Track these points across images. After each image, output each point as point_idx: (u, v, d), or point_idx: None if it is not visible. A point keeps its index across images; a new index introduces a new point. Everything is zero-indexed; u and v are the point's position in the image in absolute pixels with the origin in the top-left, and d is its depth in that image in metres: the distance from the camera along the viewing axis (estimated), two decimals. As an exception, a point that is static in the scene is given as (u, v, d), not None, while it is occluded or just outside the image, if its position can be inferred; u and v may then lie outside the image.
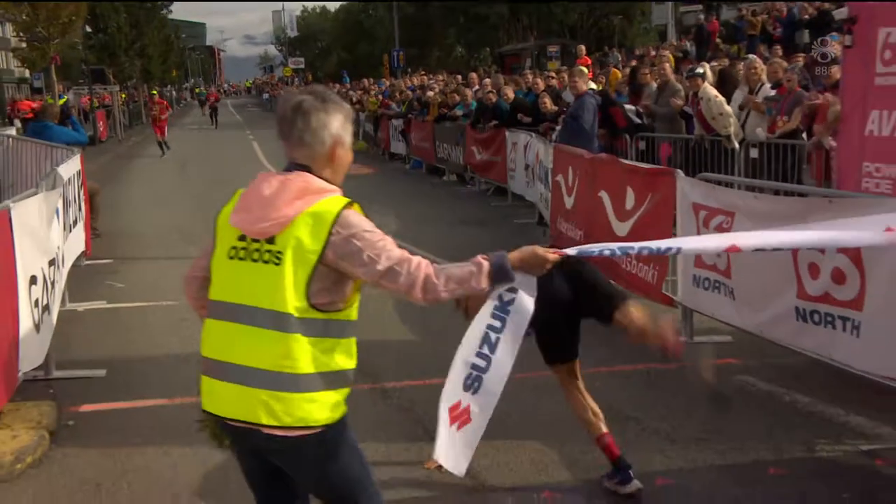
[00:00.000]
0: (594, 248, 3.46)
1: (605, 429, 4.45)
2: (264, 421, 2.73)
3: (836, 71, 9.27)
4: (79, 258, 9.81)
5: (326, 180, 2.88)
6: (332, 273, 2.76)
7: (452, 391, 3.17)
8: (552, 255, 3.05)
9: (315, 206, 2.76)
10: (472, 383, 3.18)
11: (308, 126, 2.85)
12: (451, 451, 3.19)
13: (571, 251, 3.30)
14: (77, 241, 9.61)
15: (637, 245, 3.58)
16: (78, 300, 8.74)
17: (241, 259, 2.82)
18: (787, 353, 6.02)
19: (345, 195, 2.85)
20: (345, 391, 2.89)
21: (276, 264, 2.74)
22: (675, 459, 4.95)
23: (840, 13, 7.15)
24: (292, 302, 2.72)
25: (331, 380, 2.80)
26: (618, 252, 3.60)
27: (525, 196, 13.57)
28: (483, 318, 3.18)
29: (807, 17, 19.59)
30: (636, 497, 4.48)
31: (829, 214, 5.45)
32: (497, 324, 3.17)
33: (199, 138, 37.31)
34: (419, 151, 21.68)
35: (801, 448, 5.05)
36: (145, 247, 11.76)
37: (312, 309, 2.74)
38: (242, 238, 2.82)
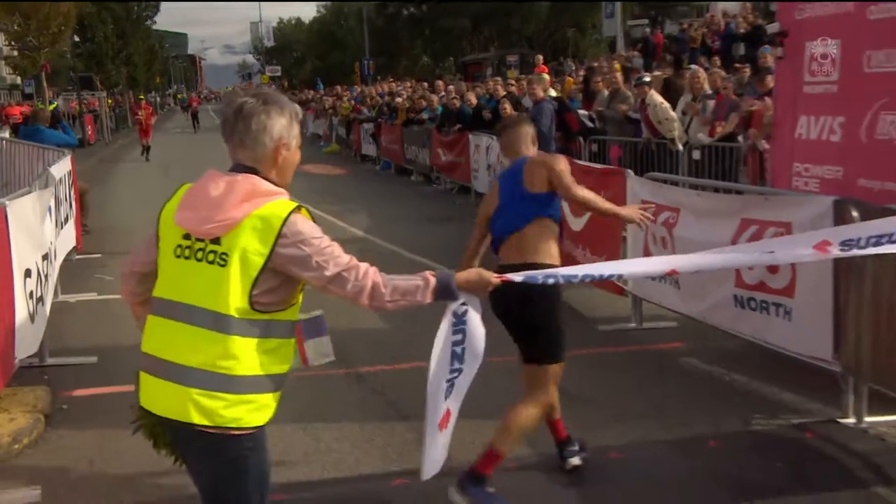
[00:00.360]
0: (538, 274, 3.42)
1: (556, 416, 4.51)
2: (196, 420, 2.56)
3: (770, 80, 9.37)
4: (70, 253, 9.69)
5: (273, 182, 2.70)
6: (278, 275, 2.60)
7: (437, 409, 3.08)
8: (495, 279, 2.99)
9: (262, 210, 2.58)
10: (449, 391, 3.13)
11: (248, 129, 2.66)
12: (437, 453, 3.15)
13: (518, 277, 3.27)
14: (68, 237, 9.50)
15: (581, 273, 3.52)
16: (70, 292, 8.66)
17: (185, 258, 2.64)
18: (726, 337, 6.11)
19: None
20: (277, 395, 2.71)
21: (222, 266, 2.56)
22: (625, 435, 5.00)
23: (772, 28, 7.25)
24: (234, 303, 2.55)
25: (266, 382, 2.64)
26: (561, 280, 3.49)
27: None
28: (446, 338, 3.08)
29: (742, 31, 19.78)
30: (585, 468, 4.53)
31: (764, 210, 5.54)
32: (459, 337, 3.09)
33: (181, 141, 36.92)
34: (389, 153, 21.63)
35: (738, 423, 5.13)
36: (132, 242, 11.53)
37: (254, 310, 2.58)
38: (187, 237, 2.64)
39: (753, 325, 5.67)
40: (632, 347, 6.69)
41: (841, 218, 4.89)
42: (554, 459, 4.63)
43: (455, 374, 3.07)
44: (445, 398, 3.09)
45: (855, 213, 4.79)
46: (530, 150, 4.52)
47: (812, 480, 4.39)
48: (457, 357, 3.06)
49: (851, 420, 5.03)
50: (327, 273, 2.61)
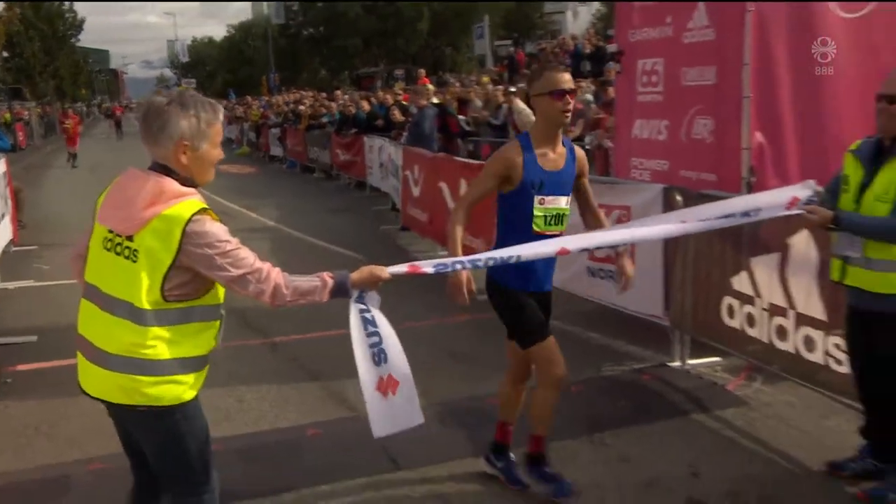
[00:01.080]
0: (447, 261, 3.27)
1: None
2: (120, 401, 2.45)
3: (612, 90, 9.70)
4: (7, 245, 9.19)
5: (188, 180, 2.49)
6: (188, 271, 2.42)
7: (369, 373, 2.96)
8: (385, 273, 2.86)
9: (168, 211, 2.37)
10: (379, 356, 2.98)
11: (150, 128, 2.45)
12: (387, 415, 2.99)
13: (429, 269, 3.14)
14: (5, 231, 9.01)
15: (483, 257, 3.37)
16: (9, 280, 8.19)
17: (108, 250, 2.46)
18: (583, 302, 6.28)
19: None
20: (201, 373, 2.55)
21: (133, 262, 2.39)
22: (501, 384, 5.12)
23: (612, 48, 7.54)
24: (147, 297, 2.38)
25: (186, 364, 2.47)
26: (468, 265, 3.34)
27: (381, 188, 13.57)
28: (353, 311, 2.95)
29: (588, 51, 20.28)
30: (468, 414, 4.61)
31: (610, 197, 5.73)
32: (364, 306, 2.97)
33: (106, 146, 35.17)
34: (294, 154, 21.27)
35: (593, 371, 5.31)
36: (65, 234, 11.01)
37: (169, 301, 2.41)
38: (112, 230, 2.47)
39: (603, 291, 5.88)
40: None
41: (668, 201, 5.14)
42: (445, 408, 4.71)
43: (375, 339, 2.95)
44: (377, 364, 2.96)
45: (679, 198, 5.04)
46: (536, 122, 3.52)
47: (649, 412, 4.61)
48: (368, 322, 2.95)
49: (677, 363, 5.31)
50: (231, 274, 2.44)
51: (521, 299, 3.58)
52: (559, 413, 4.63)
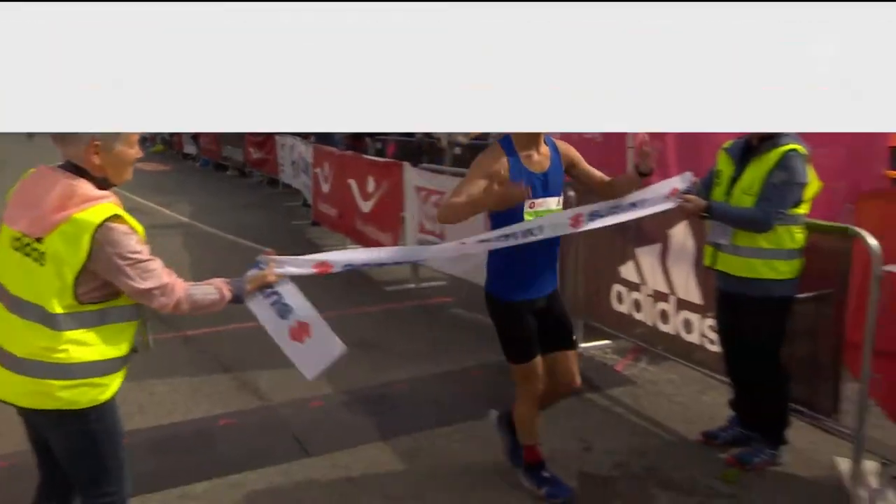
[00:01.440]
0: (356, 261, 3.21)
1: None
2: (31, 405, 2.29)
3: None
4: None
5: (102, 180, 2.32)
6: (99, 276, 2.26)
7: (279, 327, 2.91)
8: (272, 279, 2.84)
9: (78, 214, 2.19)
10: (282, 311, 2.92)
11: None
12: (310, 357, 2.94)
13: (338, 269, 3.07)
14: None
15: (391, 261, 3.32)
16: None
17: (17, 250, 2.27)
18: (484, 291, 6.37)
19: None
20: (119, 374, 2.39)
21: (42, 265, 2.21)
22: (410, 370, 5.12)
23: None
24: (59, 301, 2.21)
25: (102, 366, 2.30)
26: (374, 263, 3.34)
27: (293, 185, 13.32)
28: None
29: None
30: (376, 399, 4.59)
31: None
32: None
33: (16, 142, 33.19)
34: (207, 152, 20.60)
35: (494, 356, 5.18)
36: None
37: (84, 303, 2.24)
38: (20, 230, 2.28)
39: (502, 280, 5.94)
40: (412, 302, 6.83)
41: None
42: (353, 396, 4.66)
43: (274, 297, 2.90)
44: (281, 316, 2.91)
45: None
46: None
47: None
48: (266, 287, 2.91)
49: (572, 346, 5.44)
50: (138, 287, 2.29)
51: (514, 314, 3.38)
52: (461, 394, 4.70)
